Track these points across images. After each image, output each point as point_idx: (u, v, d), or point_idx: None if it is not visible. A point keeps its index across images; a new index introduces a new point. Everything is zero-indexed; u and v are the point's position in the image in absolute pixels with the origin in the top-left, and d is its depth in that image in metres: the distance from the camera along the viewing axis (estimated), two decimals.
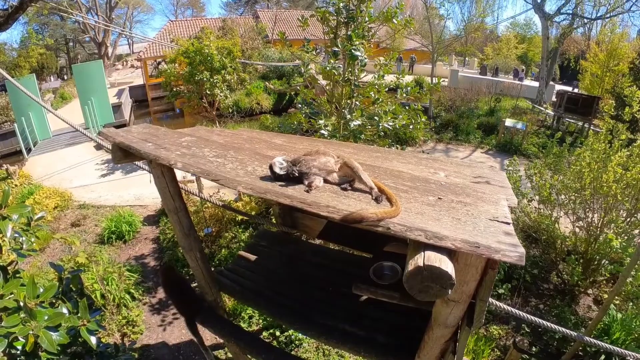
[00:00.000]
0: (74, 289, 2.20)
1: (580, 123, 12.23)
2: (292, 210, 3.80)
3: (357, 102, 5.38)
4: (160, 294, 5.28)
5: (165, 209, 2.50)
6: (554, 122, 13.28)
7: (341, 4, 4.78)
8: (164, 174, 2.22)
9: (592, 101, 11.69)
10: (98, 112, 12.67)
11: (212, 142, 2.13)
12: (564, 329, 2.82)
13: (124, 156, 2.05)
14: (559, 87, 17.29)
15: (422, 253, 1.13)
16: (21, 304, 1.62)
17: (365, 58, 4.74)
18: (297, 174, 1.49)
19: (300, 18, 5.28)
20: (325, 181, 1.54)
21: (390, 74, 5.24)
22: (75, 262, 4.88)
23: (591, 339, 3.03)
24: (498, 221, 1.33)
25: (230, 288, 2.96)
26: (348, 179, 1.56)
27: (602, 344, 2.88)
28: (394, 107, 5.13)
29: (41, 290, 1.75)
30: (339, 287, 3.01)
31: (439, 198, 1.56)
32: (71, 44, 33.09)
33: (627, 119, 4.56)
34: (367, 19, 4.99)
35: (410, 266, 1.11)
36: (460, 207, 1.47)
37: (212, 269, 3.01)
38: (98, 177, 9.67)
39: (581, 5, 14.93)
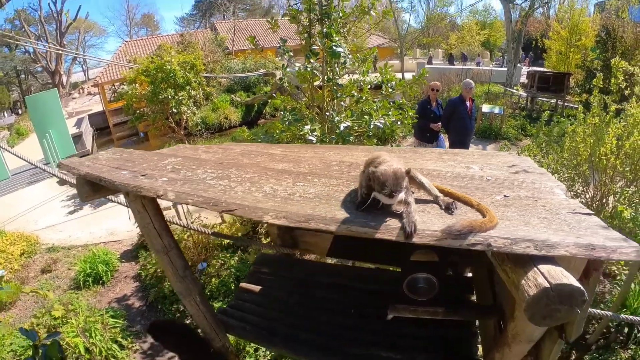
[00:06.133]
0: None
1: (553, 100, 12.39)
2: (291, 228, 3.42)
3: (343, 103, 5.05)
4: (151, 337, 4.72)
5: (151, 250, 2.05)
6: (528, 102, 13.42)
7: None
8: (146, 208, 1.78)
9: (562, 78, 11.86)
10: (58, 145, 11.74)
11: (203, 160, 1.71)
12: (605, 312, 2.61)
13: (92, 191, 1.61)
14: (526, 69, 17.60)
15: (535, 269, 0.92)
16: None
17: (349, 54, 4.43)
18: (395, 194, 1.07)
19: (269, 20, 4.92)
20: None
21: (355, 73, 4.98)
22: (51, 316, 4.27)
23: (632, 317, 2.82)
24: (580, 213, 1.15)
25: (239, 329, 2.52)
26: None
27: None
28: (381, 104, 4.85)
29: None
30: (362, 308, 2.67)
31: (505, 196, 1.33)
32: (23, 75, 31.35)
33: (615, 90, 4.49)
34: (340, 14, 4.68)
35: (530, 289, 0.87)
36: (532, 202, 1.27)
37: (214, 309, 2.58)
38: (65, 214, 8.88)
39: None
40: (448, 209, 1.09)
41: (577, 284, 0.87)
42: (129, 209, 2.05)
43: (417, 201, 1.13)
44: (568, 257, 0.95)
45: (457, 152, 2.29)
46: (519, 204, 1.23)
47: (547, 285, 0.85)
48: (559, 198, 1.29)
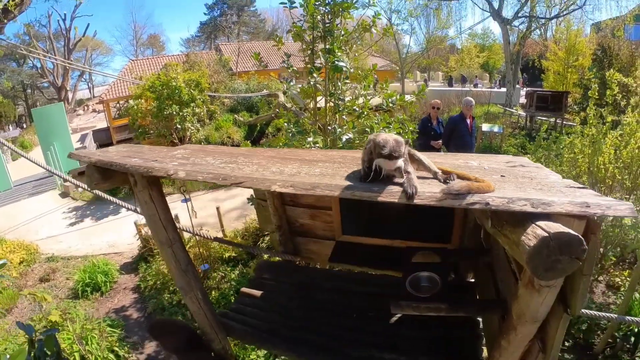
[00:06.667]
0: (49, 353, 1.75)
1: (552, 119, 12.58)
2: (293, 235, 3.44)
3: (345, 117, 5.16)
4: (148, 349, 4.65)
5: (156, 242, 2.08)
6: (527, 122, 13.63)
7: (318, 17, 4.62)
8: (153, 199, 1.82)
9: (560, 97, 12.09)
10: (62, 158, 11.89)
11: (211, 152, 1.77)
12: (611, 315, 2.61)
13: (102, 179, 1.65)
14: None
15: (533, 225, 0.94)
16: None
17: (351, 69, 4.55)
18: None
19: (274, 37, 5.09)
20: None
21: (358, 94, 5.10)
22: (48, 321, 4.23)
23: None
24: (575, 187, 1.19)
25: (240, 331, 2.50)
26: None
27: None
28: (382, 117, 4.95)
29: (7, 357, 1.30)
30: (363, 311, 2.66)
31: (502, 176, 1.39)
32: (29, 90, 31.88)
33: (610, 102, 4.59)
34: (342, 32, 4.84)
35: (530, 241, 0.89)
36: (528, 181, 1.31)
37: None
38: (66, 226, 8.89)
39: (534, 9, 15.66)
40: (446, 182, 1.14)
41: (574, 233, 0.88)
42: (135, 220, 2.09)
43: (417, 178, 1.17)
44: (565, 219, 0.98)
45: (455, 154, 2.36)
46: (516, 181, 1.27)
47: (545, 234, 0.87)
48: (554, 179, 1.33)
